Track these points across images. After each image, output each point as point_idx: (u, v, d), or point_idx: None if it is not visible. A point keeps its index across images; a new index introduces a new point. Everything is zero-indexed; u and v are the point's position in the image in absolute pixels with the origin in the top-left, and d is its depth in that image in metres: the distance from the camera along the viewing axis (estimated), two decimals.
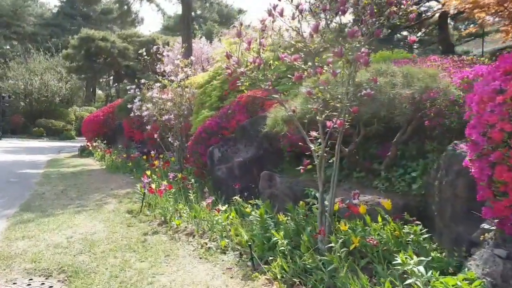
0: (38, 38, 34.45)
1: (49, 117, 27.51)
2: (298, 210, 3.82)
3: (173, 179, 6.12)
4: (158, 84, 8.47)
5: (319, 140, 3.44)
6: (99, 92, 44.67)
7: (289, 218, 3.85)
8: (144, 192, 5.53)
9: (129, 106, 8.72)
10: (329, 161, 3.43)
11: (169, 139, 8.25)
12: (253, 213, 4.16)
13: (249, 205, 4.43)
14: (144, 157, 9.48)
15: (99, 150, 12.99)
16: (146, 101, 8.73)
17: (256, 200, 4.22)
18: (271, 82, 3.61)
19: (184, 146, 8.45)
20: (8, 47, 32.16)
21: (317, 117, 3.41)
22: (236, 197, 4.76)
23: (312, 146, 3.32)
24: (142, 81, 8.49)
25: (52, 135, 26.46)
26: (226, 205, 4.82)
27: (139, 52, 8.31)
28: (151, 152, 8.70)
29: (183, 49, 8.52)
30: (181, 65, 8.12)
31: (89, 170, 10.45)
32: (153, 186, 5.33)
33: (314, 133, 3.40)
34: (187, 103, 8.61)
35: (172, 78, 8.23)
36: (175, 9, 56.28)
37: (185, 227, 4.66)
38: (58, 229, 4.76)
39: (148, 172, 6.55)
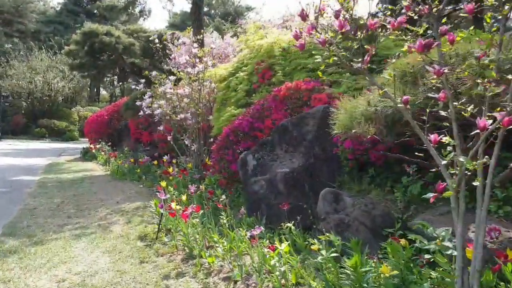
0: (40, 36, 33.34)
1: (52, 117, 26.35)
2: (400, 253, 2.53)
3: (194, 193, 4.88)
4: (172, 77, 7.22)
5: (448, 148, 2.16)
6: (103, 92, 43.60)
7: (385, 262, 2.57)
8: (161, 213, 4.26)
9: (138, 103, 7.49)
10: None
11: (185, 142, 7.01)
12: (323, 252, 2.88)
13: (310, 238, 3.16)
14: (155, 162, 8.24)
15: (103, 153, 11.78)
16: (157, 97, 7.49)
17: (329, 235, 2.93)
18: (369, 58, 2.33)
19: (202, 149, 7.21)
20: (10, 45, 31.07)
21: (448, 112, 2.14)
22: (288, 224, 3.48)
23: (460, 159, 2.03)
24: (153, 73, 7.25)
25: (54, 136, 25.31)
26: (274, 236, 3.57)
27: (150, 39, 7.07)
28: (164, 157, 7.46)
29: (201, 35, 7.26)
30: (199, 55, 6.87)
31: (91, 176, 9.22)
32: (173, 205, 4.06)
33: (445, 138, 2.11)
34: (205, 99, 7.36)
35: (189, 70, 6.99)
36: (181, 6, 55.16)
37: (221, 265, 3.39)
38: (47, 267, 3.50)
39: (163, 183, 5.28)
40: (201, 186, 5.15)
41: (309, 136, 4.39)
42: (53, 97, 27.17)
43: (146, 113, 7.25)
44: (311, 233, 3.84)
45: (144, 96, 7.91)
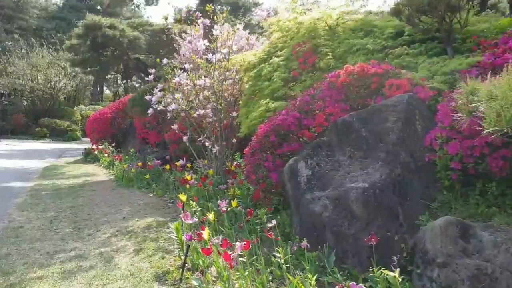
0: (42, 33, 32.26)
1: (53, 116, 25.17)
2: None
3: (226, 210, 3.71)
4: (187, 66, 6.02)
5: None
6: (107, 92, 42.47)
7: None
8: (188, 246, 3.05)
9: (147, 97, 6.29)
10: None
11: (205, 143, 5.81)
12: None
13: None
14: (167, 166, 7.05)
15: (106, 155, 10.62)
16: (170, 90, 6.30)
17: None
18: None
19: (224, 152, 6.02)
20: (10, 43, 29.94)
21: None
22: (390, 273, 2.27)
23: None
24: (165, 61, 6.07)
25: (56, 135, 24.16)
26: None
27: (164, 16, 5.86)
28: (179, 161, 6.27)
29: (224, 18, 6.05)
30: (223, 37, 5.67)
31: (93, 182, 8.04)
32: (205, 234, 2.85)
33: None
34: (227, 92, 6.17)
35: (209, 56, 5.80)
36: (186, 2, 54.09)
37: None
38: None
39: (183, 197, 4.08)
40: (233, 202, 3.95)
41: (391, 136, 3.17)
42: (54, 96, 26.02)
43: (158, 109, 6.05)
44: (410, 279, 2.63)
45: (154, 90, 6.69)
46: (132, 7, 37.32)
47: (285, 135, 4.04)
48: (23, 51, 27.11)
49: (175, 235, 3.51)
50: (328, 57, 4.51)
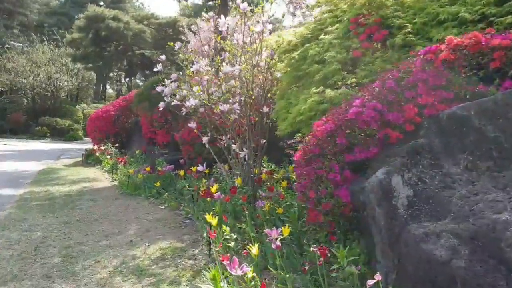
0: (44, 29, 31.23)
1: (54, 115, 24.16)
2: None
3: (277, 244, 2.58)
4: (207, 48, 4.88)
5: None
6: (110, 91, 41.43)
7: None
8: None
9: (158, 88, 5.13)
10: None
11: (233, 146, 4.68)
12: None
13: None
14: (181, 172, 5.91)
15: (108, 156, 9.52)
16: (186, 81, 5.17)
17: None
18: None
19: (252, 155, 4.87)
20: (10, 39, 28.88)
21: None
22: None
23: None
24: (178, 44, 4.94)
25: (56, 135, 23.18)
26: None
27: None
28: (198, 167, 5.14)
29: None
30: (256, 11, 4.54)
31: (93, 190, 6.92)
32: None
33: None
34: (256, 82, 5.02)
35: (238, 37, 4.67)
36: None
37: None
38: None
39: (213, 221, 2.97)
40: (284, 229, 2.80)
41: None
42: (55, 94, 25.00)
43: (172, 104, 4.90)
44: None
45: (166, 81, 5.52)
46: (137, 3, 36.26)
47: (365, 135, 2.88)
48: (24, 49, 26.11)
49: (212, 286, 2.36)
50: (406, 30, 3.35)
